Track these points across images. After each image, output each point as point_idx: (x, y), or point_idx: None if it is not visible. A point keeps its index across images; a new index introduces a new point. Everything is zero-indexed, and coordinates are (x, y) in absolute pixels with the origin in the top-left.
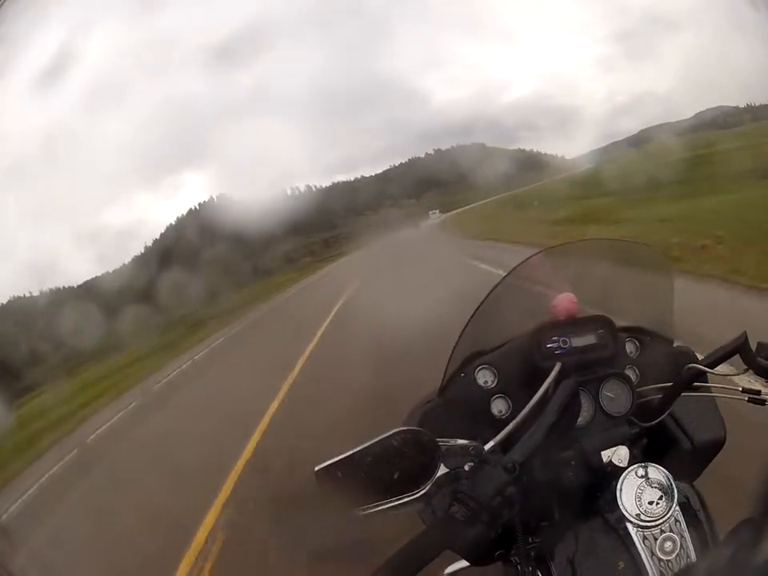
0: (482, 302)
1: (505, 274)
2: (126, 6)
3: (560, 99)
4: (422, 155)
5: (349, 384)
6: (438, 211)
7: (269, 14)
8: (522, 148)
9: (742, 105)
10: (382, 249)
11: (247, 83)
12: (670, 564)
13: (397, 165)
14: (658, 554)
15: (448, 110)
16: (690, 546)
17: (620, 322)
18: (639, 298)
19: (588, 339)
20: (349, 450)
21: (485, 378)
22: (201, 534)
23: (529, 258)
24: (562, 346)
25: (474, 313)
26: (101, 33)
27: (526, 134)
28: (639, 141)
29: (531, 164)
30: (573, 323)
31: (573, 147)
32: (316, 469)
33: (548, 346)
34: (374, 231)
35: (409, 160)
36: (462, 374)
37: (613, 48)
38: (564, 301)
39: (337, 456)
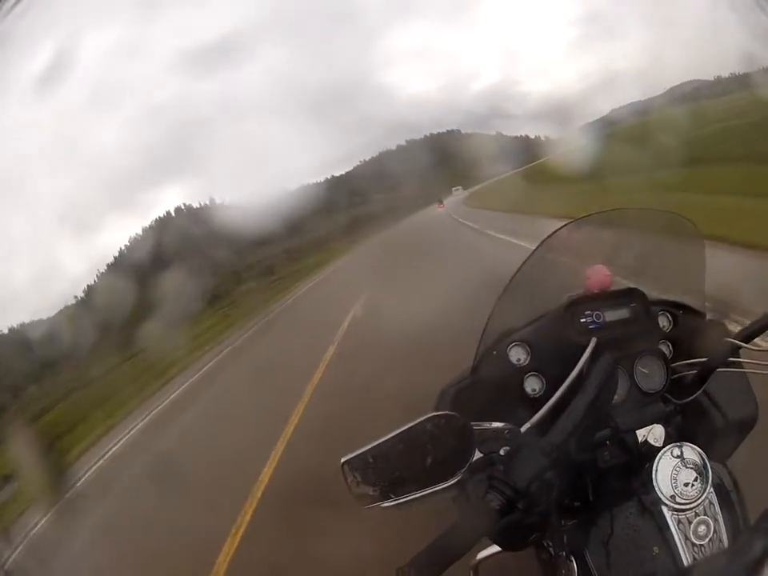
0: (512, 277)
1: (535, 246)
2: (113, 15)
3: (531, 84)
4: (393, 147)
5: None
6: (460, 188)
7: (246, 20)
8: (500, 132)
9: (723, 75)
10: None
11: (219, 89)
12: (703, 549)
13: (367, 159)
14: (692, 538)
15: (420, 102)
16: (723, 531)
17: (652, 295)
18: (671, 269)
19: (622, 313)
20: (378, 438)
21: (518, 355)
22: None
23: (559, 228)
24: (595, 320)
25: (505, 288)
26: (89, 42)
27: (499, 121)
28: (613, 120)
29: (515, 147)
30: (606, 297)
31: (546, 131)
32: (343, 460)
33: (582, 320)
34: (351, 230)
35: (379, 153)
36: (495, 352)
37: (582, 30)
38: (598, 273)
39: (365, 445)
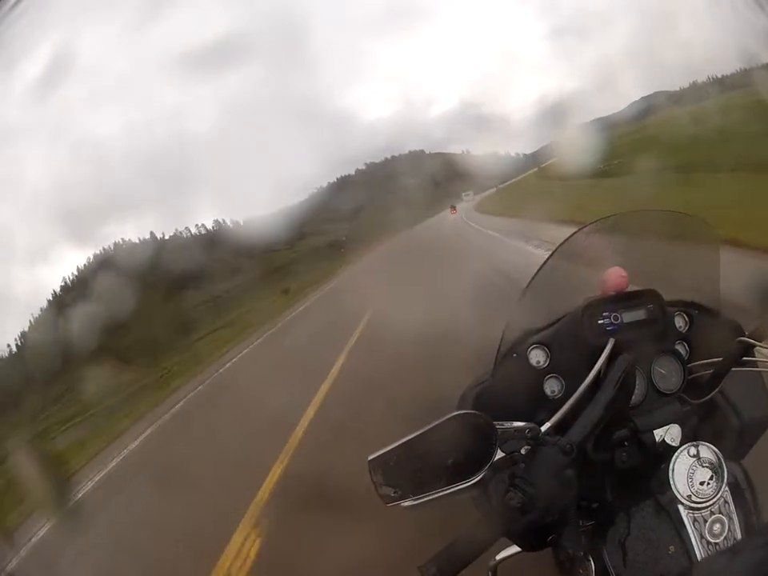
0: (531, 280)
1: (552, 249)
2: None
3: (489, 107)
4: (352, 172)
5: None
6: (471, 192)
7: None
8: (468, 150)
9: (684, 86)
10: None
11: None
12: (718, 547)
13: (324, 186)
14: (707, 536)
15: (376, 128)
16: (738, 529)
17: (668, 296)
18: (686, 269)
19: (638, 314)
20: (403, 438)
21: (537, 357)
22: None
23: (576, 232)
24: (613, 321)
25: (524, 291)
26: (86, 44)
27: (458, 146)
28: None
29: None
30: (623, 298)
31: (516, 148)
32: (369, 458)
33: (599, 322)
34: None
35: (337, 179)
36: (515, 354)
37: (542, 49)
38: (614, 275)
39: (390, 445)
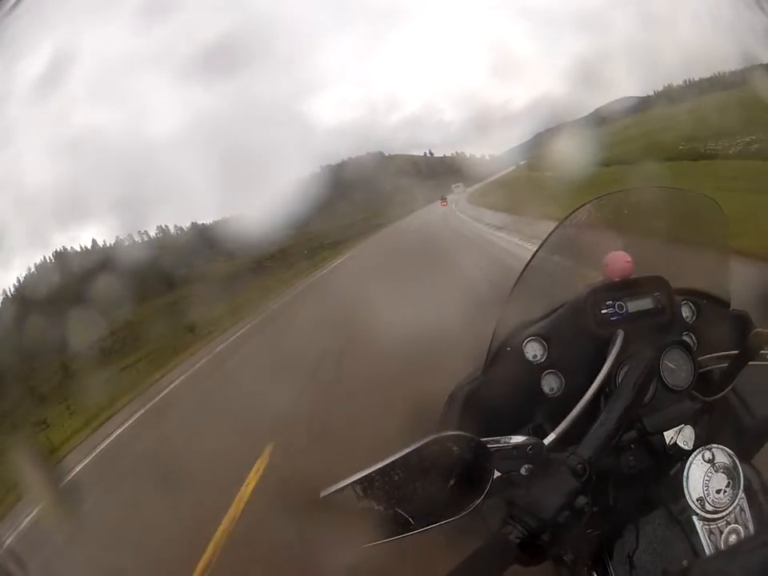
0: (525, 266)
1: (549, 231)
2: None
3: (452, 113)
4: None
5: None
6: (461, 184)
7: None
8: (430, 151)
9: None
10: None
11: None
12: None
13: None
14: (722, 548)
15: (337, 134)
16: None
17: (673, 283)
18: (693, 253)
19: (645, 303)
20: (369, 466)
21: (533, 351)
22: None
23: (575, 210)
24: (618, 311)
25: (518, 278)
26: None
27: (418, 151)
28: (538, 143)
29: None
30: (627, 285)
31: (483, 150)
32: (323, 494)
33: (603, 312)
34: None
35: (309, 178)
36: (509, 349)
37: (506, 54)
38: (618, 260)
39: (353, 475)
